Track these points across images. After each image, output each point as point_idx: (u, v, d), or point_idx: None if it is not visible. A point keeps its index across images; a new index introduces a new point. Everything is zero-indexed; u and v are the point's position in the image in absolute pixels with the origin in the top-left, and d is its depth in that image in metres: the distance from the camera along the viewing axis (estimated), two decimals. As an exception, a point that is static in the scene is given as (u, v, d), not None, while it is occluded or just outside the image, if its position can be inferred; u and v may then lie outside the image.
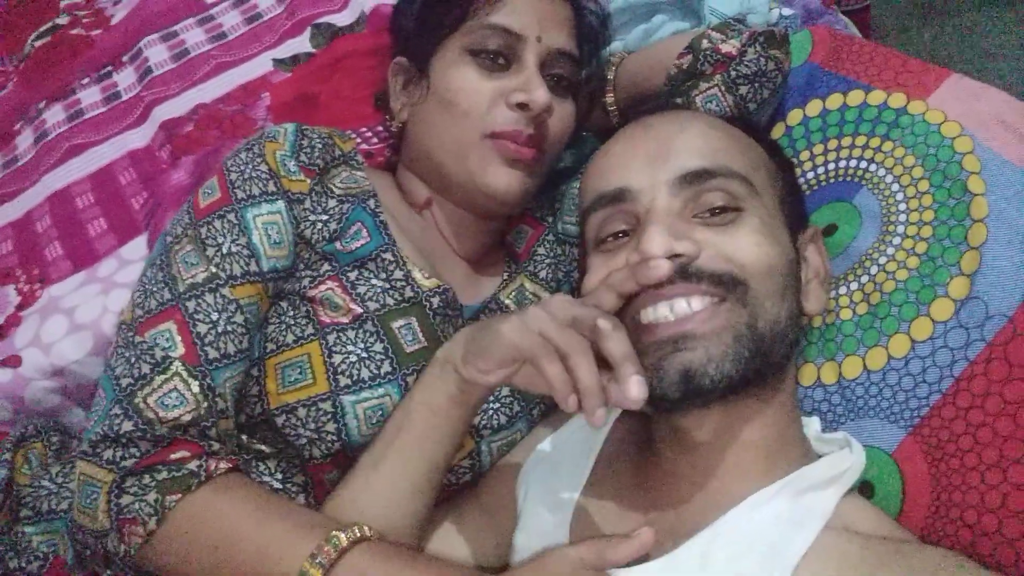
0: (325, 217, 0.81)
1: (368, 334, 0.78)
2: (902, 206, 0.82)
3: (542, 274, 0.94)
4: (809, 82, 0.94)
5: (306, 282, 0.79)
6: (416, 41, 0.90)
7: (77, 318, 1.06)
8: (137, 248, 1.12)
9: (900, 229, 0.81)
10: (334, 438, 0.76)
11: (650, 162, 0.70)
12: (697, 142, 0.71)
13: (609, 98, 0.97)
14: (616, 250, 0.71)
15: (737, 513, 0.65)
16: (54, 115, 1.41)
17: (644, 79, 0.95)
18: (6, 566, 0.80)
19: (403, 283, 0.82)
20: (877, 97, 0.88)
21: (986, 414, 0.69)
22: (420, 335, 0.81)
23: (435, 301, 0.83)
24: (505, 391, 0.86)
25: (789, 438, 0.70)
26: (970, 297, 0.74)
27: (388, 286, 0.81)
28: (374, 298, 0.80)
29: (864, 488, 0.74)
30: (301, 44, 1.34)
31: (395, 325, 0.80)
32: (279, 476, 0.78)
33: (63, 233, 1.19)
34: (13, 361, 1.04)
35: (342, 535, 0.65)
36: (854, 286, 0.81)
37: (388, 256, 0.82)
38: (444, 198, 0.90)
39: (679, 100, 0.90)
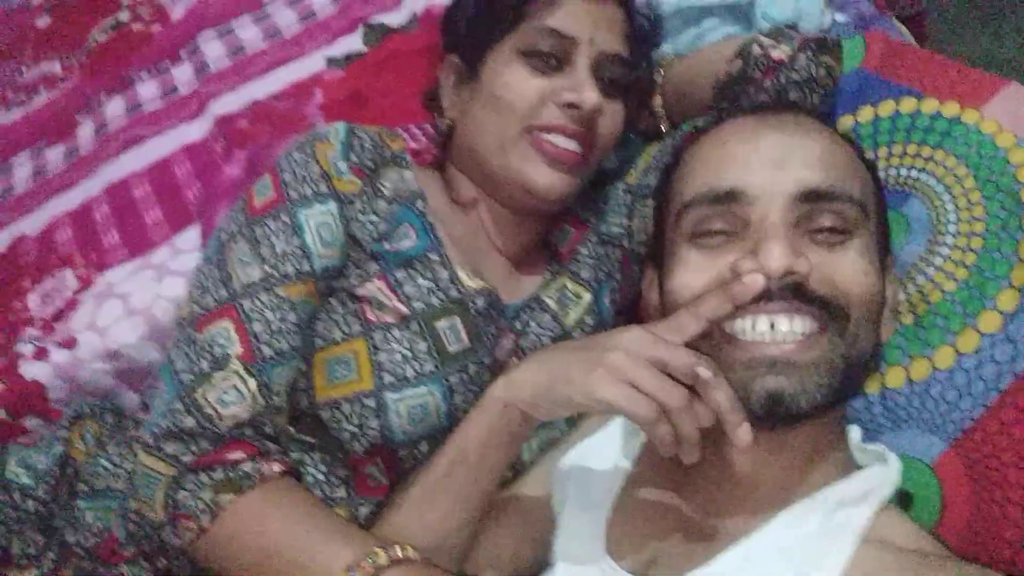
0: (375, 218, 0.83)
1: (413, 334, 0.80)
2: (952, 216, 0.81)
3: (584, 274, 0.95)
4: (861, 89, 0.93)
5: (354, 280, 0.81)
6: (469, 41, 0.91)
7: (131, 303, 1.10)
8: (190, 238, 1.15)
9: (949, 240, 0.80)
10: (376, 434, 0.78)
11: (772, 168, 0.67)
12: (821, 156, 0.68)
13: (657, 100, 0.97)
14: (717, 248, 0.68)
15: (774, 527, 0.65)
16: (114, 108, 1.45)
17: (692, 83, 0.95)
18: (64, 540, 0.83)
19: (448, 284, 0.83)
20: (930, 105, 0.87)
21: (1031, 429, 0.68)
22: (463, 336, 0.82)
23: (479, 302, 0.84)
24: None
25: (833, 447, 0.70)
26: (1019, 311, 0.73)
27: (434, 286, 0.83)
28: (419, 298, 0.81)
29: (903, 498, 0.73)
30: (354, 42, 1.36)
31: (439, 326, 0.81)
32: (323, 468, 0.80)
33: (120, 221, 1.23)
34: (69, 343, 1.08)
35: (382, 553, 0.67)
36: (900, 297, 0.81)
37: (434, 257, 0.83)
38: (489, 196, 0.91)
39: (742, 103, 0.88)
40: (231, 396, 0.73)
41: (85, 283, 1.14)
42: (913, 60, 0.93)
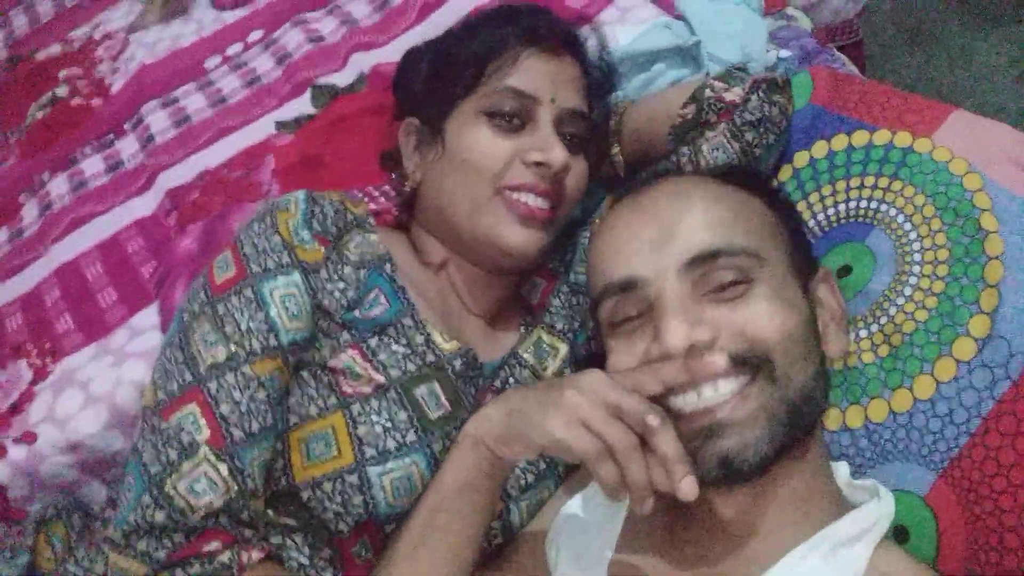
0: (342, 285, 0.81)
1: (392, 403, 0.78)
2: (916, 245, 0.82)
3: (558, 326, 0.94)
4: (813, 124, 0.95)
5: (327, 352, 0.78)
6: (428, 103, 0.91)
7: (92, 390, 1.06)
8: (148, 317, 1.12)
9: (916, 269, 0.81)
10: (361, 511, 0.75)
11: (655, 248, 0.69)
12: (700, 220, 0.70)
13: (615, 148, 0.98)
14: (633, 334, 0.70)
15: (776, 573, 0.64)
16: (57, 186, 1.42)
17: (648, 130, 0.96)
18: None
19: (424, 348, 0.82)
20: (882, 137, 0.89)
21: (1017, 454, 0.69)
22: (443, 400, 0.81)
23: (457, 364, 0.83)
24: None
25: (821, 488, 0.70)
26: (992, 336, 0.74)
27: (409, 351, 0.81)
28: (395, 365, 0.80)
29: (898, 532, 0.73)
30: (302, 105, 1.35)
31: (418, 392, 0.79)
32: (306, 551, 0.77)
33: (73, 305, 1.19)
34: (28, 437, 1.04)
35: None
36: (874, 328, 0.81)
37: (408, 322, 0.82)
38: (460, 257, 0.90)
39: (685, 150, 0.90)
40: (202, 484, 0.70)
41: (41, 373, 1.10)
42: (860, 92, 0.95)
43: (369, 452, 0.76)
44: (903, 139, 0.87)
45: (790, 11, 1.19)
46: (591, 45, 0.96)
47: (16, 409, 1.07)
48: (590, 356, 0.94)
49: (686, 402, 0.65)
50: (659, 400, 0.65)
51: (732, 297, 0.67)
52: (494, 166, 0.84)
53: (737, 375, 0.65)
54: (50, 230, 1.34)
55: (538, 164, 0.83)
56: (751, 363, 0.65)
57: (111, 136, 1.48)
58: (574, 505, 0.80)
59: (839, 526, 0.66)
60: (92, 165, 1.44)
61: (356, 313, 0.81)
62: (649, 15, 1.22)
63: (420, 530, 0.72)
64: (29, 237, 1.36)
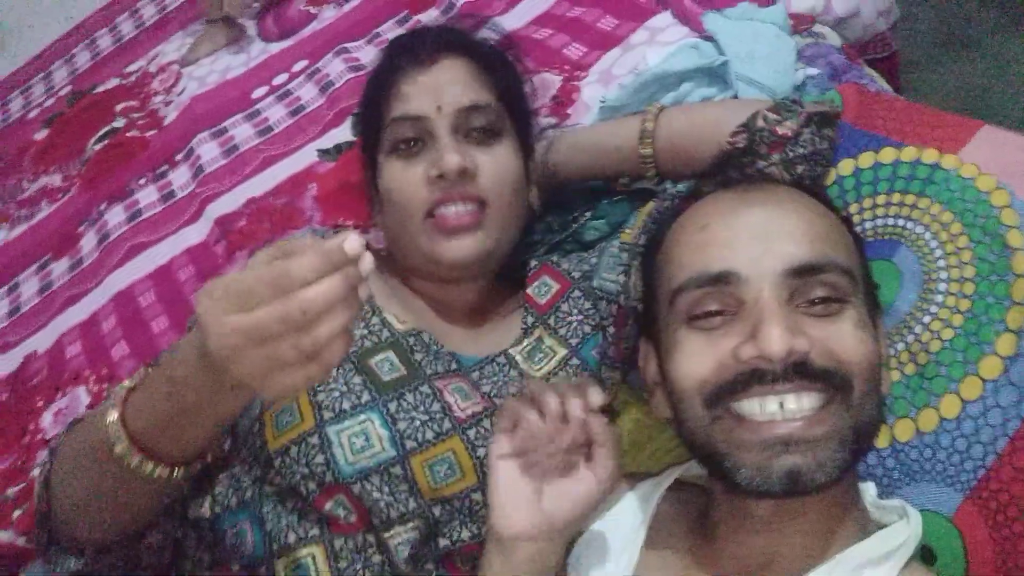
0: None
1: (347, 371, 0.84)
2: (942, 263, 0.82)
3: (562, 331, 0.96)
4: (841, 142, 0.95)
5: None
6: (365, 158, 0.98)
7: (144, 415, 1.11)
8: (197, 343, 1.17)
9: (942, 287, 0.81)
10: (324, 468, 0.80)
11: (758, 246, 0.68)
12: (807, 230, 0.69)
13: (647, 150, 0.98)
14: (716, 330, 0.68)
15: None
16: (115, 216, 1.48)
17: (693, 147, 0.95)
18: None
19: (380, 327, 0.88)
20: (910, 154, 0.89)
21: (1046, 474, 0.68)
22: (400, 366, 0.86)
23: (411, 340, 0.88)
24: None
25: (849, 508, 0.70)
26: (1019, 354, 0.73)
27: (366, 332, 0.87)
28: (352, 344, 0.84)
29: (925, 553, 0.73)
30: (343, 133, 1.40)
31: (372, 361, 0.86)
32: (295, 515, 0.82)
33: (128, 332, 1.25)
34: (86, 461, 1.09)
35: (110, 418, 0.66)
36: (900, 347, 0.81)
37: (365, 306, 0.87)
38: (424, 280, 0.95)
39: (734, 174, 0.89)
40: None
41: (98, 398, 1.16)
42: (888, 109, 0.95)
43: (327, 414, 0.81)
44: (930, 156, 0.87)
45: (818, 28, 1.19)
46: (469, 31, 0.98)
47: (75, 433, 1.12)
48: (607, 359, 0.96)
49: (764, 410, 0.64)
50: (727, 401, 0.65)
51: (825, 313, 0.67)
52: (412, 196, 0.88)
53: (820, 391, 0.64)
54: (107, 259, 1.40)
55: (439, 177, 0.87)
56: (836, 383, 0.64)
57: (165, 167, 1.55)
58: (595, 527, 0.80)
59: (865, 546, 0.66)
60: (147, 195, 1.50)
61: None
62: (678, 36, 1.23)
63: None
64: (88, 267, 1.43)
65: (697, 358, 0.68)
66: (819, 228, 0.69)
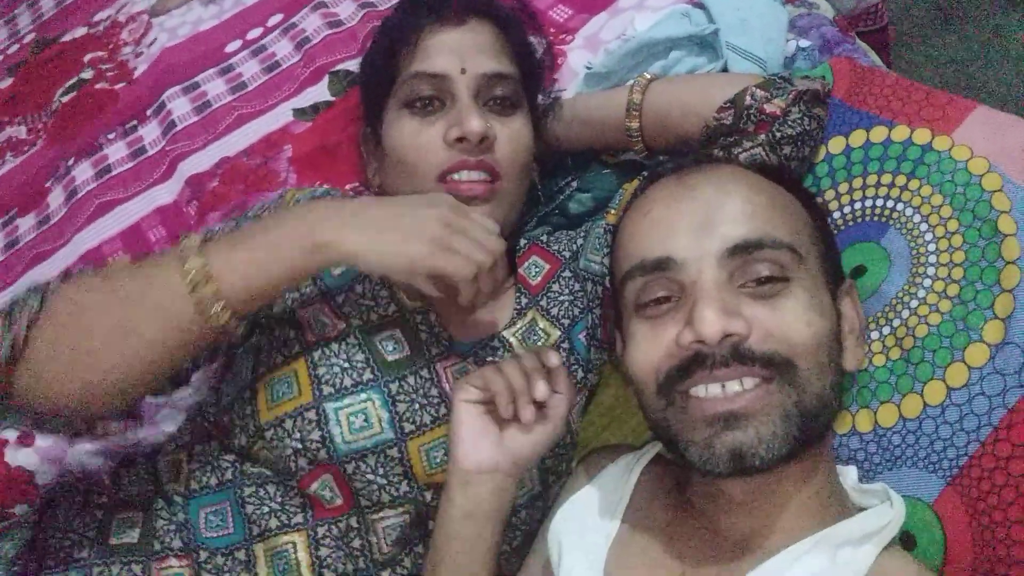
0: None
1: (350, 347, 0.82)
2: (931, 247, 0.81)
3: (554, 311, 0.94)
4: (832, 118, 0.93)
5: (295, 304, 0.83)
6: (367, 109, 0.94)
7: (113, 381, 1.08)
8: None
9: (930, 271, 0.80)
10: (319, 445, 0.79)
11: (696, 231, 0.68)
12: (744, 209, 0.69)
13: (634, 123, 0.96)
14: (661, 317, 0.69)
15: (773, 566, 0.64)
16: (83, 172, 1.43)
17: (679, 121, 0.93)
18: None
19: (387, 301, 0.86)
20: (901, 133, 0.87)
21: (1028, 464, 0.68)
22: (404, 345, 0.84)
23: (418, 319, 0.87)
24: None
25: (827, 491, 0.70)
26: (1005, 342, 0.73)
27: (373, 303, 0.86)
28: (358, 315, 0.84)
29: (905, 539, 0.73)
30: (320, 92, 1.35)
31: (377, 338, 0.84)
32: (279, 500, 0.81)
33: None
34: (54, 426, 1.06)
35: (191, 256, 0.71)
36: (886, 330, 0.80)
37: (375, 277, 0.86)
38: None
39: (719, 154, 0.88)
40: None
41: (65, 361, 1.12)
42: (880, 86, 0.93)
43: (327, 390, 0.80)
44: (922, 136, 0.86)
45: (811, -2, 1.17)
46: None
47: (42, 398, 1.09)
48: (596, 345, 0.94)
49: (708, 392, 0.65)
50: (676, 386, 0.66)
51: (769, 294, 0.66)
52: (425, 157, 0.85)
53: (760, 375, 0.64)
54: (75, 217, 1.36)
55: (459, 140, 0.84)
56: (776, 364, 0.64)
57: (134, 122, 1.49)
58: (576, 499, 0.81)
59: (845, 526, 0.66)
60: (116, 151, 1.45)
61: (332, 269, 0.86)
62: (668, 1, 1.19)
63: (432, 562, 0.76)
64: (55, 223, 1.38)
65: (645, 346, 0.69)
66: (759, 207, 0.69)
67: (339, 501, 0.81)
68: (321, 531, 0.81)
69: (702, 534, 0.71)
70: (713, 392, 0.65)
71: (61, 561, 0.83)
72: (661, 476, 0.80)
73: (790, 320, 0.65)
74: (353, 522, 0.81)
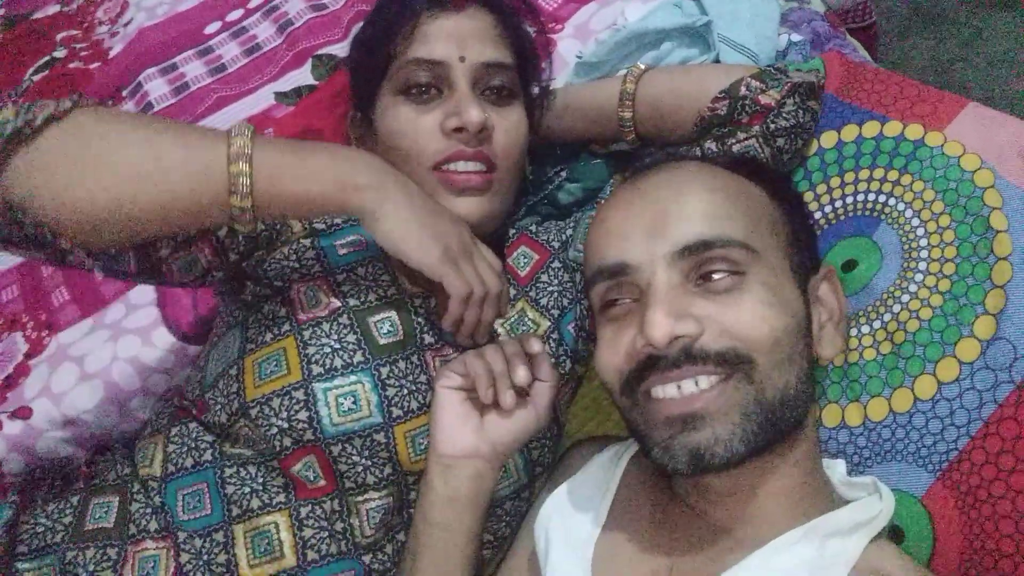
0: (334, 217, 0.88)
1: (342, 327, 0.81)
2: (923, 242, 0.81)
3: (543, 301, 0.93)
4: (824, 112, 0.93)
5: (295, 275, 0.83)
6: (358, 93, 0.92)
7: (87, 367, 1.05)
8: (145, 293, 1.11)
9: (922, 266, 0.80)
10: (305, 425, 0.78)
11: (647, 235, 0.68)
12: (696, 208, 0.69)
13: (627, 113, 0.95)
14: (622, 319, 0.70)
15: (762, 556, 0.64)
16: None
17: (673, 111, 0.92)
18: None
19: (388, 284, 0.85)
20: (893, 128, 0.87)
21: (1017, 459, 0.68)
22: (399, 329, 0.83)
23: (417, 303, 0.86)
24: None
25: (812, 483, 0.70)
26: (996, 337, 0.73)
27: (372, 284, 0.84)
28: (356, 295, 0.83)
29: (894, 533, 0.73)
30: (303, 76, 1.33)
31: (372, 320, 0.83)
32: (260, 480, 0.80)
33: (68, 277, 1.18)
34: (23, 412, 1.03)
35: (240, 136, 0.71)
36: (877, 324, 0.80)
37: (379, 262, 0.86)
38: None
39: (712, 145, 0.88)
40: None
41: (36, 347, 1.10)
42: (872, 81, 0.93)
43: (316, 370, 0.79)
44: (914, 131, 0.86)
45: (803, -8, 1.17)
46: None
47: (11, 383, 1.06)
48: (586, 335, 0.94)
49: (666, 393, 0.65)
50: (636, 383, 0.67)
51: (723, 289, 0.66)
52: (420, 145, 0.84)
53: (715, 373, 0.64)
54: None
55: (457, 130, 0.83)
56: (731, 361, 0.64)
57: (110, 102, 1.46)
58: (562, 490, 0.80)
59: (832, 517, 0.66)
60: (90, 132, 1.42)
61: (336, 243, 0.86)
62: (659, -8, 1.19)
63: (412, 550, 0.76)
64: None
65: (608, 349, 0.70)
66: (712, 204, 0.69)
67: (322, 482, 0.79)
68: (304, 511, 0.80)
69: (689, 524, 0.71)
70: (670, 393, 0.65)
71: (35, 549, 0.81)
72: (647, 468, 0.79)
73: (746, 316, 0.65)
74: (336, 504, 0.80)
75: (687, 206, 0.69)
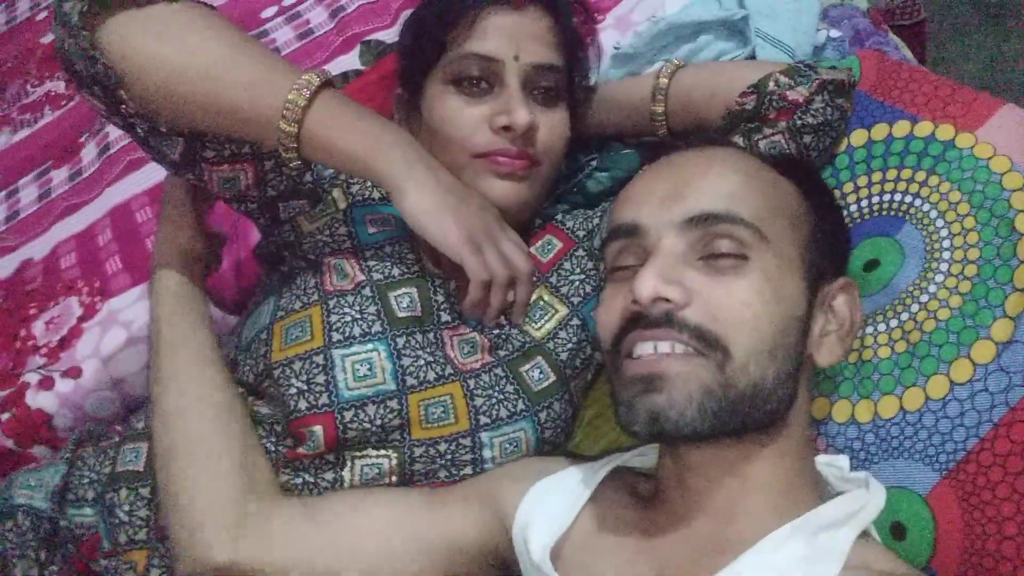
0: (369, 189, 0.93)
1: (364, 298, 0.85)
2: (946, 243, 0.80)
3: (563, 289, 0.95)
4: (855, 111, 0.93)
5: (327, 250, 0.87)
6: (407, 75, 0.94)
7: (134, 331, 1.11)
8: (191, 264, 1.16)
9: (944, 267, 0.79)
10: (321, 388, 0.81)
11: (663, 201, 0.70)
12: (714, 183, 0.70)
13: (659, 108, 0.96)
14: (623, 282, 0.71)
15: (754, 555, 0.64)
16: (116, 128, 1.45)
17: (701, 105, 0.93)
18: (66, 551, 0.86)
19: (413, 262, 0.88)
20: (924, 128, 0.87)
21: (1025, 462, 0.68)
22: (417, 305, 0.86)
23: (437, 283, 0.89)
24: (509, 387, 0.87)
25: (800, 478, 0.70)
26: (1013, 340, 0.72)
27: (398, 261, 0.88)
28: (380, 270, 0.87)
29: (896, 529, 0.73)
30: (351, 61, 1.36)
31: (393, 294, 0.86)
32: (272, 439, 0.83)
33: (123, 247, 1.24)
34: (74, 372, 1.10)
35: (312, 76, 0.77)
36: (893, 323, 0.80)
37: (406, 242, 0.89)
38: None
39: (739, 140, 0.88)
40: None
41: (89, 310, 1.16)
42: (907, 80, 0.92)
43: (336, 337, 0.83)
44: (945, 132, 0.85)
45: (845, -12, 1.16)
46: None
47: (64, 344, 1.13)
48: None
49: (642, 350, 0.66)
50: (620, 343, 0.68)
51: (722, 270, 0.67)
52: (466, 136, 0.87)
53: (689, 345, 0.65)
54: (107, 172, 1.39)
55: (504, 128, 0.85)
56: (708, 342, 0.64)
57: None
58: (544, 484, 0.79)
59: (822, 511, 0.66)
60: (149, 109, 1.47)
61: (366, 214, 0.90)
62: (700, -15, 1.19)
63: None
64: (87, 178, 1.41)
65: (606, 307, 0.72)
66: (732, 182, 0.70)
67: (321, 447, 0.82)
68: (296, 463, 0.83)
69: (678, 523, 0.70)
70: (645, 350, 0.66)
71: (82, 498, 0.87)
72: (628, 480, 0.79)
73: (733, 300, 0.65)
74: (329, 457, 0.82)
75: (707, 180, 0.70)
